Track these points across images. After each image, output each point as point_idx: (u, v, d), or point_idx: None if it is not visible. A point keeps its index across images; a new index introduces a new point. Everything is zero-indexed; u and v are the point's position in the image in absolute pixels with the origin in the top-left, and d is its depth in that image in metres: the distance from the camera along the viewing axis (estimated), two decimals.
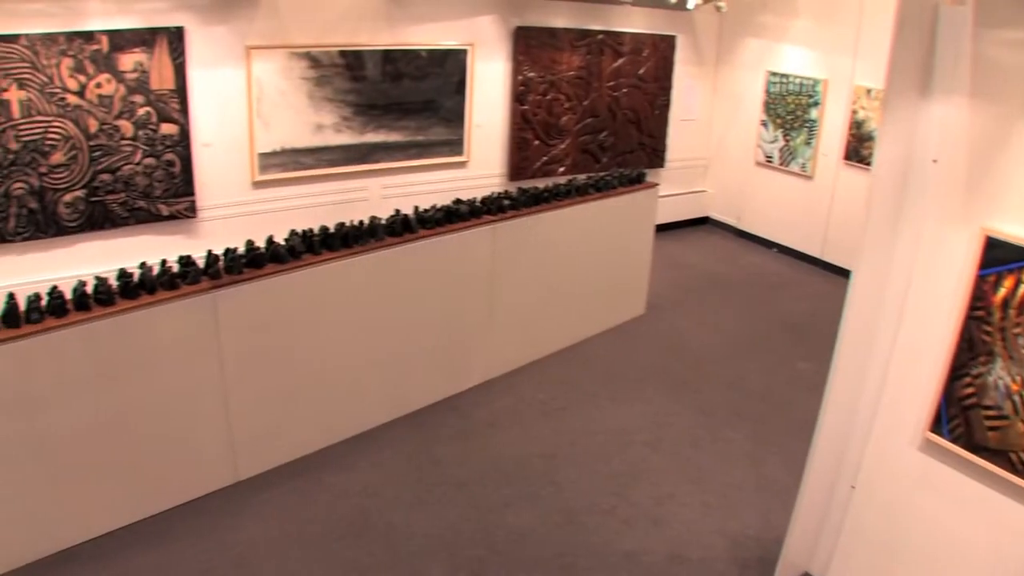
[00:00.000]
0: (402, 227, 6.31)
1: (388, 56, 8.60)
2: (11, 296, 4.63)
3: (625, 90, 10.63)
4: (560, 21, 9.80)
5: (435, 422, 6.54)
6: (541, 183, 7.72)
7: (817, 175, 10.36)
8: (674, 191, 11.57)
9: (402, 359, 6.48)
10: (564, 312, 7.76)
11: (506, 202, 7.04)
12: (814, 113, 10.21)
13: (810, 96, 10.22)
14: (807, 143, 10.38)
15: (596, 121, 10.52)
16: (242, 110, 7.92)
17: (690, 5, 9.57)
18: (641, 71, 10.72)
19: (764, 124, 10.99)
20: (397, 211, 6.40)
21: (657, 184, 8.47)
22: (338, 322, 5.97)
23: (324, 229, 5.96)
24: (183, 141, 7.57)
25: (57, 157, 6.98)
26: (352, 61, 8.38)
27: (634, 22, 10.47)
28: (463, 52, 9.10)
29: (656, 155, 11.36)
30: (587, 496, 5.64)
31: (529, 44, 9.56)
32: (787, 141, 10.67)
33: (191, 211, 7.83)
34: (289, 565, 4.92)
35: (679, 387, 7.19)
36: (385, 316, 6.25)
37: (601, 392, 7.07)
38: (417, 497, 5.59)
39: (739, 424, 6.62)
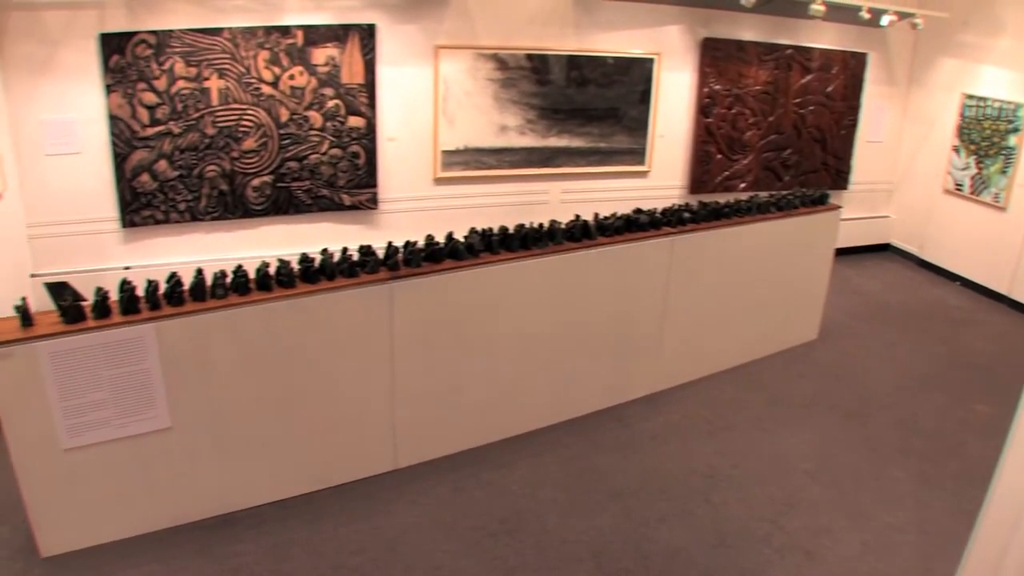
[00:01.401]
0: (581, 232, 6.35)
1: (574, 61, 8.70)
2: (199, 271, 4.94)
3: (812, 108, 10.39)
4: (748, 34, 9.67)
5: (597, 430, 6.56)
6: (722, 198, 7.60)
7: (1011, 206, 9.76)
8: (856, 215, 11.23)
9: (570, 364, 6.53)
10: (735, 331, 7.64)
11: (686, 215, 6.98)
12: (1013, 140, 9.65)
13: (1009, 122, 9.67)
14: (1002, 172, 9.83)
15: (780, 138, 10.32)
16: (428, 107, 8.18)
17: (884, 21, 9.23)
18: (829, 89, 10.45)
19: (956, 150, 10.48)
20: (577, 216, 6.43)
21: (839, 207, 8.21)
22: (509, 322, 6.06)
23: (503, 229, 6.05)
24: (369, 134, 7.90)
25: (249, 143, 7.42)
26: (538, 65, 8.52)
27: (824, 38, 10.22)
28: (649, 61, 9.10)
29: (840, 176, 11.05)
30: (742, 520, 5.54)
31: (716, 56, 9.47)
32: (980, 169, 10.15)
33: (373, 202, 8.12)
34: (438, 556, 5.03)
35: (846, 418, 6.96)
36: (557, 320, 6.31)
37: (766, 416, 6.93)
38: (572, 502, 5.62)
39: (906, 462, 6.34)
